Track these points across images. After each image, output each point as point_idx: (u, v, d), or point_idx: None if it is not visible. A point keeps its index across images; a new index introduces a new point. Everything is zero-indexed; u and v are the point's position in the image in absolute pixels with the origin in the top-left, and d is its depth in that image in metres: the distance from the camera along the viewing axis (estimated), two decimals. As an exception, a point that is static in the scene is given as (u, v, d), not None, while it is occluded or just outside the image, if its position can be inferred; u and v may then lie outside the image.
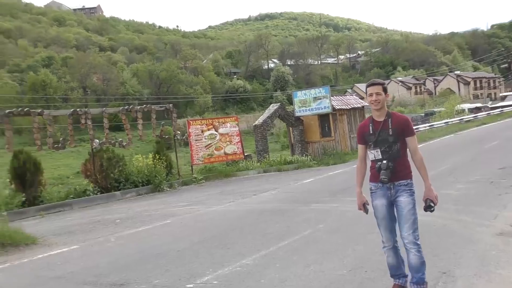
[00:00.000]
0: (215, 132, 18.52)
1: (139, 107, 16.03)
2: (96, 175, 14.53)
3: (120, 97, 70.34)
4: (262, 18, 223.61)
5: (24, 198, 12.72)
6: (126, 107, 15.78)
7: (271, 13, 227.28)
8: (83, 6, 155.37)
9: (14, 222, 11.69)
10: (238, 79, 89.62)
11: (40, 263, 6.80)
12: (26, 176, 12.85)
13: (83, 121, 14.43)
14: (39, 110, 13.72)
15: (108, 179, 14.63)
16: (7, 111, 12.89)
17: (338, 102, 23.30)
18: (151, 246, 7.30)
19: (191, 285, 5.12)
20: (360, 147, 4.20)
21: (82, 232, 9.09)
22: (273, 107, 22.65)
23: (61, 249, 7.62)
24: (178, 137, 17.36)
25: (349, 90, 77.74)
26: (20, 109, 13.56)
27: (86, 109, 14.74)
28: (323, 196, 10.78)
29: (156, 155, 16.03)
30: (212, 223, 9.03)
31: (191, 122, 18.94)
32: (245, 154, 20.71)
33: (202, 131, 18.30)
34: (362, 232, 6.64)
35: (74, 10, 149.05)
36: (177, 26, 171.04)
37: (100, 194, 14.35)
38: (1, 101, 66.08)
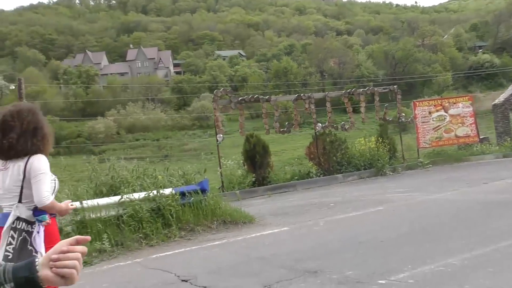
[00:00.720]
0: (445, 114, 17.09)
1: (361, 90, 15.85)
2: (319, 158, 14.96)
3: (355, 80, 71.09)
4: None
5: (254, 178, 13.90)
6: (349, 90, 15.78)
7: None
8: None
9: (245, 200, 12.92)
10: (484, 53, 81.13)
11: (251, 242, 7.30)
12: (256, 158, 14.00)
13: (306, 106, 14.96)
14: (267, 97, 14.74)
15: (331, 162, 14.91)
16: (239, 98, 14.21)
17: None
18: (355, 233, 7.14)
19: (383, 281, 4.80)
20: None
21: (296, 214, 9.46)
22: (519, 83, 19.81)
23: (273, 229, 8.03)
24: (403, 119, 16.60)
25: None
26: (250, 96, 14.83)
27: (310, 94, 15.23)
28: None
29: (379, 138, 15.66)
30: (426, 213, 8.37)
31: (417, 103, 17.87)
32: (481, 137, 18.64)
33: (430, 113, 17.10)
34: None
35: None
36: (416, 2, 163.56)
37: (323, 176, 14.73)
38: (250, 87, 73.68)
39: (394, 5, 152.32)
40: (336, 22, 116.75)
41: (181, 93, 76.31)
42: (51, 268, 1.15)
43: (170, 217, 7.77)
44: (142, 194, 7.80)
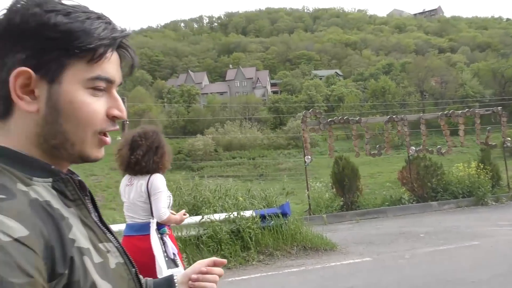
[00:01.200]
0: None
1: (460, 111, 14.88)
2: (413, 183, 14.22)
3: (458, 100, 67.39)
4: None
5: (342, 202, 13.52)
6: (446, 112, 14.88)
7: None
8: (424, 9, 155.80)
9: (332, 224, 12.61)
10: None
11: (330, 271, 7.04)
12: (344, 181, 13.62)
13: (399, 128, 14.34)
14: (357, 118, 14.35)
15: (425, 188, 14.11)
16: (328, 119, 13.95)
17: None
18: (444, 270, 6.61)
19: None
20: None
21: (382, 244, 9.01)
22: None
23: (354, 259, 7.70)
24: (509, 144, 15.30)
25: None
26: (340, 117, 14.51)
27: (403, 115, 14.58)
28: None
29: (480, 164, 14.54)
30: None
31: (526, 127, 16.42)
32: None
33: (541, 138, 15.58)
34: None
35: (415, 14, 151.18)
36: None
37: (416, 203, 13.97)
38: (347, 107, 72.76)
39: (504, 19, 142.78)
40: (438, 39, 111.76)
41: (277, 113, 77.28)
42: (189, 287, 1.21)
43: (249, 240, 7.74)
44: (222, 215, 7.86)
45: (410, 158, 14.35)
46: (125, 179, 3.80)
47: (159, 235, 3.60)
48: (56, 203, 0.81)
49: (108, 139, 0.91)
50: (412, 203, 13.95)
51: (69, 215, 0.83)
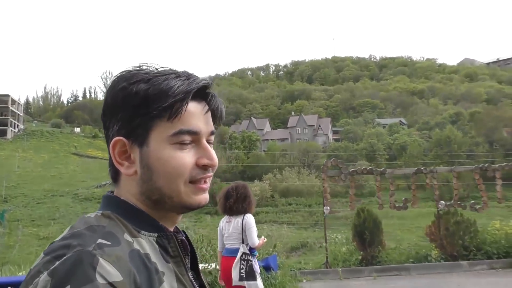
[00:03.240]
0: None
1: (498, 165, 13.85)
2: (442, 240, 13.24)
3: (531, 151, 63.54)
4: None
5: (360, 257, 12.81)
6: (481, 165, 13.88)
7: None
8: (497, 58, 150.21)
9: (347, 279, 11.93)
10: None
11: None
12: (365, 234, 12.95)
13: (428, 181, 13.55)
14: (382, 169, 13.72)
15: (455, 246, 13.08)
16: (351, 169, 13.47)
17: None
18: None
19: None
20: None
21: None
22: None
23: None
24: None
25: None
26: (363, 168, 13.94)
27: (432, 167, 13.79)
28: None
29: (520, 222, 13.35)
30: None
31: None
32: None
33: None
34: None
35: (488, 63, 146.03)
36: None
37: (444, 261, 12.94)
38: (410, 157, 70.62)
39: None
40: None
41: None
42: None
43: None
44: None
45: (440, 213, 13.43)
46: (224, 219, 5.32)
47: (251, 256, 5.08)
48: (155, 258, 0.90)
49: (205, 185, 0.98)
50: (440, 261, 12.94)
51: (166, 269, 0.91)
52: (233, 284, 5.21)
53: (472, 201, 14.05)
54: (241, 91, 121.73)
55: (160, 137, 0.92)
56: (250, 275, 5.15)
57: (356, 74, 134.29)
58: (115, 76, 0.98)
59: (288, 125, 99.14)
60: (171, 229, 1.00)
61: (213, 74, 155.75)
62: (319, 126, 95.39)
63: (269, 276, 7.85)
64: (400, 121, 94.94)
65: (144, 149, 0.93)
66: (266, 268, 7.82)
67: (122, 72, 0.98)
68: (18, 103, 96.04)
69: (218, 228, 5.43)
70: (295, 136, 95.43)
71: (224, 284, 5.46)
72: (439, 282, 11.02)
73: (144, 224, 0.94)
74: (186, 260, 1.01)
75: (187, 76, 0.95)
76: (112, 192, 1.01)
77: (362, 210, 13.40)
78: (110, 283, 0.76)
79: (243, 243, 5.08)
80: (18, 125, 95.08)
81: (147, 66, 0.98)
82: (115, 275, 0.78)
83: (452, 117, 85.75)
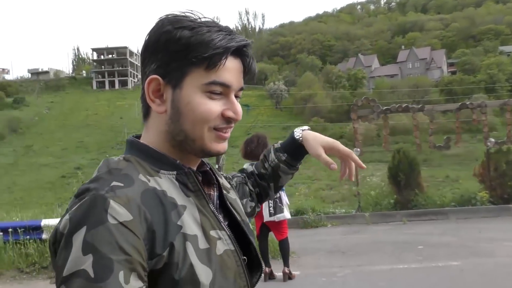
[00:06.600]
0: None
1: None
2: (490, 182, 11.89)
3: None
4: None
5: (392, 200, 12.03)
6: (542, 95, 11.98)
7: None
8: None
9: (375, 224, 11.33)
10: None
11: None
12: (399, 176, 12.06)
13: (475, 116, 12.08)
14: (420, 106, 12.47)
15: (506, 188, 11.69)
16: (384, 107, 12.42)
17: None
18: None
19: None
20: None
21: (357, 255, 7.79)
22: None
23: (296, 271, 6.75)
24: None
25: None
26: (398, 105, 12.75)
27: (480, 101, 12.20)
28: None
29: None
30: None
31: None
32: None
33: None
34: None
35: None
36: None
37: (492, 205, 11.66)
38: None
39: None
40: None
41: (451, 95, 70.79)
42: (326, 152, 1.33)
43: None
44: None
45: (489, 152, 11.97)
46: (246, 164, 5.61)
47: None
48: (174, 193, 0.97)
49: (226, 134, 1.04)
50: (487, 205, 11.67)
51: (187, 203, 0.98)
52: (264, 221, 6.16)
53: (530, 137, 12.31)
54: (348, 28, 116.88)
55: (194, 83, 0.98)
56: (277, 209, 6.00)
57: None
58: (161, 17, 1.02)
59: (398, 60, 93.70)
60: (192, 167, 1.05)
61: (320, 12, 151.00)
62: (432, 59, 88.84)
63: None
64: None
65: (177, 91, 0.99)
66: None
67: (168, 14, 1.01)
68: (136, 55, 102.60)
69: None
70: (405, 71, 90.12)
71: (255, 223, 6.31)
72: (466, 227, 10.02)
73: (163, 164, 1.00)
74: (211, 192, 1.09)
75: (228, 31, 0.99)
76: (136, 136, 1.08)
77: (398, 151, 12.43)
78: (120, 223, 0.83)
79: None
80: (137, 75, 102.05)
81: (192, 13, 1.01)
82: (125, 215, 0.85)
83: None
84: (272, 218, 6.05)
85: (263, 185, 1.43)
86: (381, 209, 12.03)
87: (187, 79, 0.98)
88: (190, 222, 0.95)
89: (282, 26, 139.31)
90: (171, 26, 0.98)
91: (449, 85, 74.05)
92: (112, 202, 0.85)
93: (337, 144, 1.33)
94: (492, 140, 12.02)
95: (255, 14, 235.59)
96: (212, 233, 0.99)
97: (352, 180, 1.33)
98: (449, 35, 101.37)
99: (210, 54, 0.96)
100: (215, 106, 0.99)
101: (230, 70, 1.00)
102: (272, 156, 1.41)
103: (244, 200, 1.39)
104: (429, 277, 6.23)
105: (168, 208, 0.93)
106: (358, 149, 12.36)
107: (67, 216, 0.86)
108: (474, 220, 10.91)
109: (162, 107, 1.00)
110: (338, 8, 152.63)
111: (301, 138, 1.35)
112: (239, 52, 1.01)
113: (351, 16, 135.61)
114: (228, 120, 1.02)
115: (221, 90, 1.00)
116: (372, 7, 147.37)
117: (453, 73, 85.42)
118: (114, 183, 0.90)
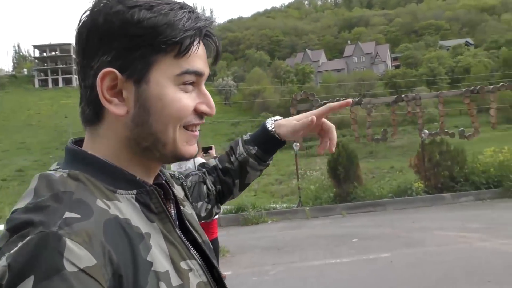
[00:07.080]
0: None
1: (491, 87, 12.30)
2: (425, 172, 12.21)
3: None
4: None
5: (332, 194, 12.15)
6: (472, 88, 12.36)
7: None
8: None
9: (315, 218, 11.40)
10: None
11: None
12: (338, 169, 12.19)
13: (409, 109, 12.36)
14: (357, 99, 12.65)
15: (439, 178, 12.02)
16: (323, 102, 12.50)
17: None
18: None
19: None
20: None
21: (292, 251, 7.77)
22: None
23: (228, 271, 6.65)
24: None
25: None
26: (336, 99, 12.89)
27: (415, 94, 12.51)
28: None
29: (516, 149, 11.94)
30: (452, 266, 5.93)
31: None
32: None
33: None
34: None
35: None
36: None
37: (426, 194, 11.98)
38: (474, 79, 66.13)
39: None
40: None
41: (394, 88, 72.84)
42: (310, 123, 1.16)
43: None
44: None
45: (424, 143, 12.29)
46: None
47: None
48: (137, 219, 0.78)
49: (196, 133, 0.88)
50: (422, 195, 11.98)
51: (151, 230, 0.79)
52: None
53: (461, 128, 12.73)
54: (296, 23, 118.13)
55: (163, 75, 0.80)
56: None
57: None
58: None
59: (344, 55, 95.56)
60: (151, 181, 0.88)
61: (269, 7, 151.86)
62: (377, 53, 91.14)
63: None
64: (466, 41, 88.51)
65: (143, 87, 0.80)
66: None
67: None
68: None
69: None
70: (351, 65, 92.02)
71: None
72: (401, 218, 10.21)
73: (119, 182, 0.80)
74: (170, 209, 0.90)
75: (190, 9, 0.83)
76: (75, 142, 0.86)
77: (337, 144, 12.50)
78: (81, 270, 0.63)
79: None
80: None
81: None
82: (87, 259, 0.65)
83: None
84: None
85: (227, 182, 1.25)
86: (321, 203, 12.13)
87: (153, 71, 0.80)
88: (158, 255, 0.77)
89: (230, 21, 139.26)
90: (123, 6, 0.78)
91: (393, 78, 76.27)
92: (68, 242, 0.64)
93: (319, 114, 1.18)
94: (426, 131, 12.35)
95: (203, 9, 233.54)
96: (183, 264, 0.82)
97: (332, 151, 1.19)
98: (392, 30, 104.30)
99: (181, 37, 0.79)
100: (189, 101, 0.84)
101: (200, 56, 0.85)
102: (240, 149, 1.24)
103: (199, 203, 1.23)
104: (359, 271, 6.26)
105: (135, 242, 0.74)
106: (298, 144, 12.40)
107: (3, 261, 0.63)
108: (410, 211, 11.18)
109: (122, 108, 0.80)
110: (287, 3, 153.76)
111: (273, 129, 1.19)
112: (206, 34, 0.86)
113: (299, 12, 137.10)
114: (200, 115, 0.87)
115: (194, 80, 0.84)
116: (319, 2, 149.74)
117: (397, 67, 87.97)
118: (67, 214, 0.68)
